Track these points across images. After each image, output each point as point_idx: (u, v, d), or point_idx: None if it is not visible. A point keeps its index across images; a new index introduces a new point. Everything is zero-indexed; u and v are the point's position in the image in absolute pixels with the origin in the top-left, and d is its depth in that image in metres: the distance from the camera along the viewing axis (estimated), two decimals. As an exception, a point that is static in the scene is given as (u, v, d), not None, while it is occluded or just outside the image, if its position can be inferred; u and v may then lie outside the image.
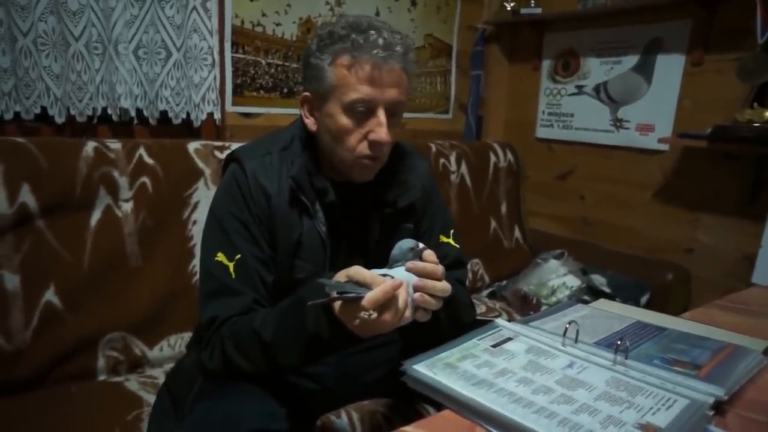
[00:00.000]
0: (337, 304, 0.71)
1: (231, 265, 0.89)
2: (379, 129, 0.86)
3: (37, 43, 1.33)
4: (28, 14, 1.31)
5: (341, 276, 0.73)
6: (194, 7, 1.55)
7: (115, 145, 1.28)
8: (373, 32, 0.84)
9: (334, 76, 0.86)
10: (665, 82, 1.82)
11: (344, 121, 0.87)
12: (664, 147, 1.82)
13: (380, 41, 0.83)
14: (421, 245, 0.78)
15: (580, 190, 2.14)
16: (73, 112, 1.43)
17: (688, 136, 1.64)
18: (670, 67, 1.80)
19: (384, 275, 0.72)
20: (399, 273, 0.74)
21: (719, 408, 0.64)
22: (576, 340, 0.76)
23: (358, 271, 0.71)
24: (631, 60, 1.91)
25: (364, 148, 0.88)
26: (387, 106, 0.86)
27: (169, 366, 1.22)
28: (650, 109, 1.87)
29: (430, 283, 0.74)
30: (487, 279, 1.99)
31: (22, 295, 1.12)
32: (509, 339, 0.78)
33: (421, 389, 0.67)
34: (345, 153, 0.90)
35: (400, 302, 0.70)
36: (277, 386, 0.83)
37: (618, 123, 1.97)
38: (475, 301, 1.73)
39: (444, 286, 0.76)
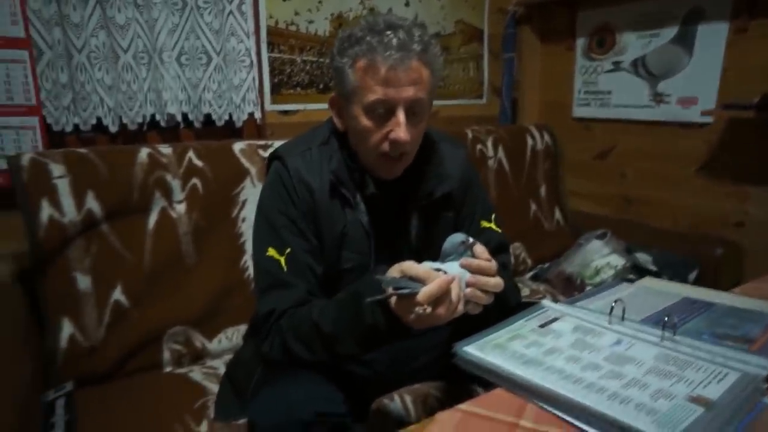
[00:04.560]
0: (393, 299, 0.74)
1: (282, 259, 0.93)
2: (398, 129, 0.88)
3: (90, 58, 1.42)
4: (81, 31, 1.39)
5: (395, 270, 0.76)
6: (230, 11, 1.61)
7: (166, 149, 1.35)
8: (389, 32, 0.85)
9: (354, 79, 0.88)
10: (707, 53, 1.76)
11: (365, 122, 0.90)
12: (708, 120, 1.77)
13: (395, 41, 0.84)
14: (471, 239, 0.80)
15: (620, 168, 2.10)
16: (125, 121, 1.51)
17: (734, 106, 1.59)
18: (712, 37, 1.73)
19: (437, 270, 0.74)
20: (452, 268, 0.76)
21: (773, 381, 0.64)
22: (623, 318, 0.77)
23: (411, 267, 0.74)
24: (670, 32, 1.85)
25: (385, 147, 0.90)
26: (406, 105, 0.88)
27: (228, 357, 1.29)
28: (692, 82, 1.81)
29: (483, 279, 0.77)
30: (529, 262, 1.99)
31: (94, 295, 1.21)
32: (556, 319, 0.80)
33: (473, 370, 0.70)
34: (369, 152, 0.93)
35: (453, 297, 0.73)
36: (332, 373, 0.88)
37: (658, 98, 1.92)
38: (518, 284, 1.74)
39: (497, 282, 0.78)
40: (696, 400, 0.57)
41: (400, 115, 0.88)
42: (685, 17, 1.80)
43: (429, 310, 0.71)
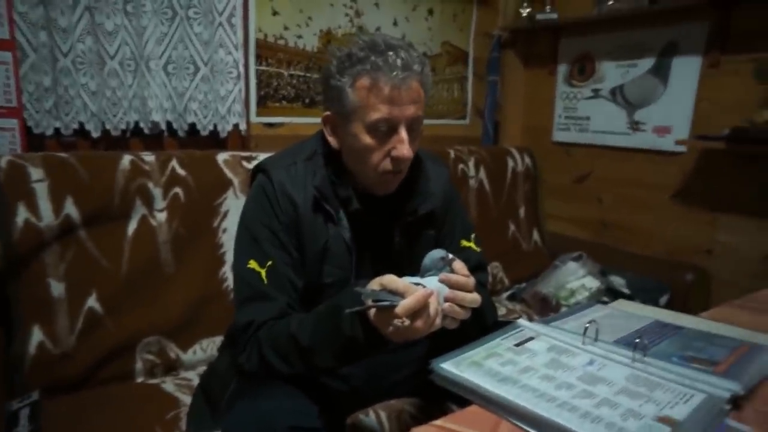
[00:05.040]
0: (372, 312, 0.75)
1: (263, 272, 0.93)
2: (401, 146, 0.90)
3: (75, 63, 1.41)
4: (68, 36, 1.38)
5: (375, 284, 0.77)
6: (220, 23, 1.62)
7: (149, 157, 1.34)
8: (391, 53, 0.87)
9: (355, 98, 0.89)
10: (682, 85, 1.83)
11: (367, 140, 0.91)
12: (682, 149, 1.83)
13: (399, 62, 0.87)
14: (450, 255, 0.81)
15: (597, 192, 2.16)
16: (108, 127, 1.50)
17: (706, 137, 1.65)
18: (687, 70, 1.81)
19: (416, 284, 0.76)
20: (431, 282, 0.77)
21: (737, 403, 0.66)
22: (596, 339, 0.79)
23: (391, 280, 0.75)
24: (647, 63, 1.92)
25: (387, 164, 0.92)
26: (407, 122, 0.90)
27: (202, 368, 1.28)
28: (667, 112, 1.88)
29: (460, 294, 0.78)
30: (506, 282, 2.01)
31: (67, 302, 1.19)
32: (531, 338, 0.81)
33: (448, 386, 0.70)
34: (369, 170, 0.94)
35: (431, 311, 0.74)
36: (308, 386, 0.88)
37: (635, 125, 1.99)
38: (495, 303, 1.76)
39: (474, 298, 0.80)
40: (663, 420, 0.59)
41: (403, 133, 0.90)
42: (662, 50, 1.87)
43: (407, 323, 0.72)
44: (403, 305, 0.71)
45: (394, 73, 0.86)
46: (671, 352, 0.77)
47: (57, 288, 1.18)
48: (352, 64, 0.89)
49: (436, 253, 0.81)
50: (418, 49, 0.94)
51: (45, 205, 1.17)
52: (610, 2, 1.93)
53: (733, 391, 0.65)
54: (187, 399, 1.15)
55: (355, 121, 0.91)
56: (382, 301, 0.72)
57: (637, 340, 0.75)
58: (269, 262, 0.94)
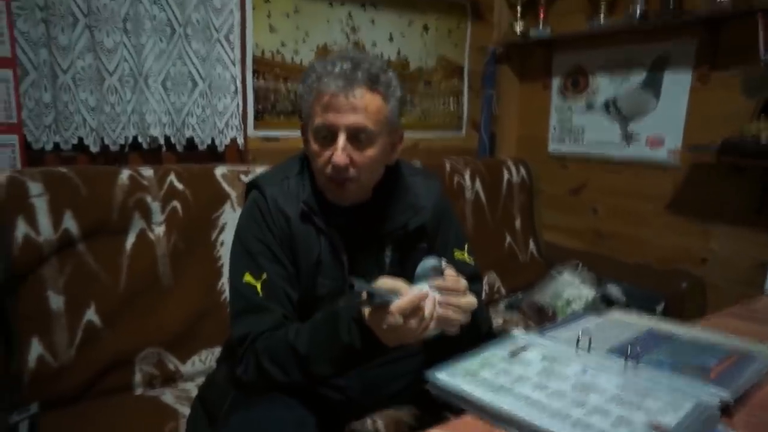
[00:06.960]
0: (367, 311, 0.77)
1: (258, 285, 0.95)
2: (336, 153, 0.91)
3: (75, 79, 1.43)
4: (68, 53, 1.40)
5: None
6: (218, 40, 1.65)
7: (147, 172, 1.36)
8: (337, 62, 0.91)
9: (308, 105, 0.95)
10: (673, 98, 1.86)
11: (314, 146, 0.95)
12: (675, 160, 1.86)
13: (337, 70, 0.90)
14: (444, 264, 0.83)
15: (592, 203, 2.18)
16: (107, 142, 1.52)
17: (698, 149, 1.68)
18: (678, 83, 1.84)
19: None
20: (423, 289, 0.79)
21: (727, 410, 0.67)
22: (589, 348, 0.80)
23: (386, 282, 0.78)
24: (639, 77, 1.96)
25: (329, 170, 0.94)
26: (348, 131, 0.91)
27: (201, 380, 1.28)
28: (659, 124, 1.91)
29: (453, 299, 0.80)
30: (503, 292, 2.02)
31: (66, 315, 1.19)
32: (525, 348, 0.82)
33: (444, 396, 0.71)
34: (318, 174, 0.97)
35: (426, 312, 0.76)
36: (306, 397, 0.89)
37: (628, 137, 2.02)
38: (492, 313, 1.77)
39: (469, 300, 0.81)
40: (654, 427, 0.60)
41: (339, 140, 0.91)
42: (653, 64, 1.90)
43: (400, 321, 0.74)
44: (396, 304, 0.74)
45: (328, 80, 0.90)
46: (663, 360, 0.78)
47: (56, 301, 1.19)
48: (308, 75, 0.95)
49: (429, 262, 0.83)
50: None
51: (44, 220, 1.18)
52: (603, 18, 1.96)
53: (723, 399, 0.66)
54: (186, 410, 1.16)
55: (309, 128, 0.96)
56: (378, 297, 0.74)
57: (630, 349, 0.76)
58: (264, 275, 0.95)
